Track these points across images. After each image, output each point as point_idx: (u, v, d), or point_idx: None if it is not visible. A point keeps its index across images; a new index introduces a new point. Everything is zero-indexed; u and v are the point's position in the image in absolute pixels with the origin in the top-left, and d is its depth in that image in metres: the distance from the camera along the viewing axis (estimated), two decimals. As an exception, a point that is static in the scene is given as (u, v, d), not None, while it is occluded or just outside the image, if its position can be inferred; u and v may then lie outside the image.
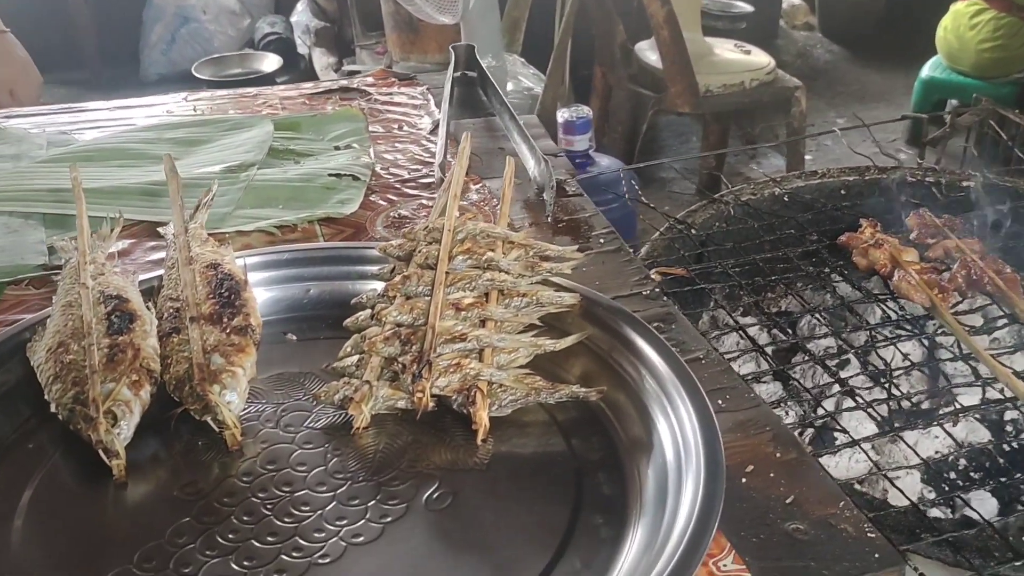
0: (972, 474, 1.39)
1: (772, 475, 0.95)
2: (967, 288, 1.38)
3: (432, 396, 0.97)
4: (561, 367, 1.06)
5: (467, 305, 1.05)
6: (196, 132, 1.60)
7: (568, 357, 1.06)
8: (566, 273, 1.15)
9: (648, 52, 3.89)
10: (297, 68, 5.23)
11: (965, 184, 1.71)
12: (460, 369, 0.99)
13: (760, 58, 3.93)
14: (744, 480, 0.95)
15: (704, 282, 1.44)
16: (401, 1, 3.46)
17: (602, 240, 1.40)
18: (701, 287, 1.41)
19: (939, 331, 1.35)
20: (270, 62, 5.09)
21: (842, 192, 1.73)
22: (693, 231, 1.57)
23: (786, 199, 1.69)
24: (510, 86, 3.77)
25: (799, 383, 1.33)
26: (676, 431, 0.93)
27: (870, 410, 1.17)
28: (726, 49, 4.02)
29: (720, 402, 1.06)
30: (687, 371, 0.98)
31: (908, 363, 1.30)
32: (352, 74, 4.22)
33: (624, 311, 1.10)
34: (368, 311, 1.07)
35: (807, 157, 4.58)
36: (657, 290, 1.28)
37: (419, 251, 1.12)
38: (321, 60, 4.74)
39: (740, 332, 1.37)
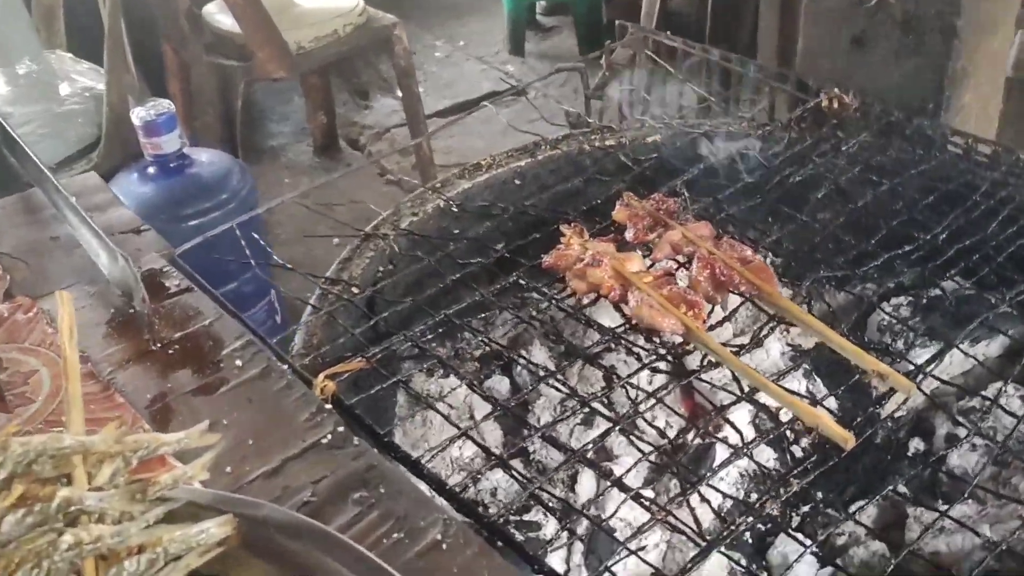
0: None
1: None
2: (715, 293, 1.09)
3: None
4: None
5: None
6: None
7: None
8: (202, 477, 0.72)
9: (219, 16, 3.34)
10: None
11: (651, 140, 1.43)
12: None
13: (346, 1, 3.51)
14: None
15: (391, 367, 1.05)
16: None
17: (239, 361, 0.96)
18: (396, 380, 1.02)
19: (706, 362, 1.05)
20: None
21: (517, 183, 1.39)
22: (355, 289, 1.17)
23: (455, 210, 1.32)
24: (65, 89, 3.11)
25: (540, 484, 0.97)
26: None
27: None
28: (300, -3, 3.56)
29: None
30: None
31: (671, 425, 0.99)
32: None
33: (310, 526, 0.69)
34: None
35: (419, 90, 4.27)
36: (341, 429, 0.87)
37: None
38: None
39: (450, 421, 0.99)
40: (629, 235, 1.17)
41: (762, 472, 1.10)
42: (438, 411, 0.98)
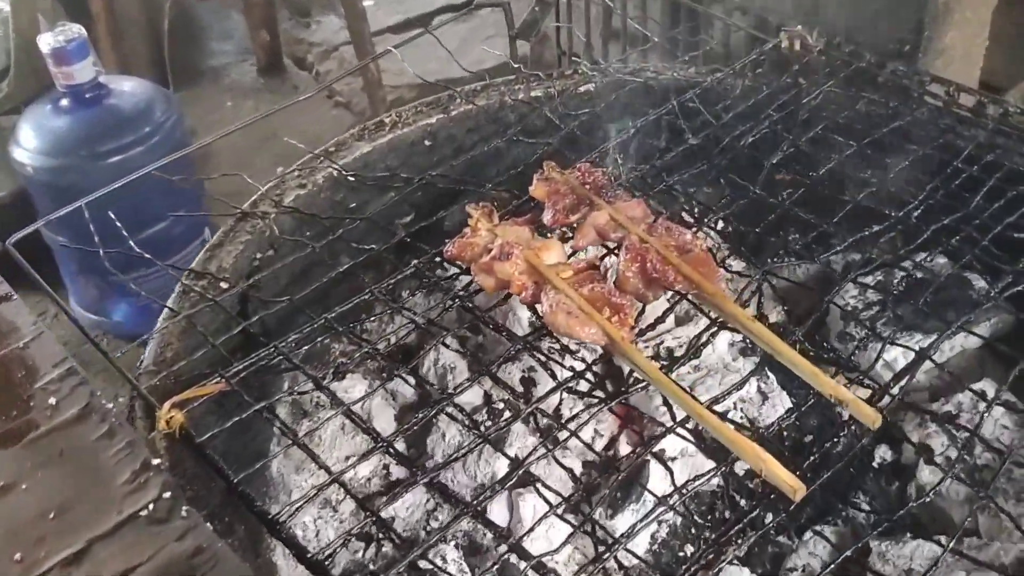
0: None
1: None
2: (647, 291, 0.92)
3: None
4: None
5: None
6: None
7: None
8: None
9: (141, -73, 3.07)
10: None
11: (585, 89, 1.23)
12: None
13: (282, -92, 3.23)
14: None
15: (264, 385, 0.87)
16: None
17: (54, 398, 0.78)
18: (260, 407, 0.84)
19: (632, 381, 0.88)
20: None
21: (427, 144, 1.20)
22: (223, 284, 0.98)
23: (351, 179, 1.13)
24: (-31, 11, 2.84)
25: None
26: None
27: None
28: (239, -95, 3.28)
29: None
30: None
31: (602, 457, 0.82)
32: None
33: None
34: None
35: (368, 3, 3.99)
36: (168, 495, 0.70)
37: None
38: None
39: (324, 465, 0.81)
40: (547, 218, 0.98)
41: (693, 520, 0.95)
42: (308, 452, 0.81)
